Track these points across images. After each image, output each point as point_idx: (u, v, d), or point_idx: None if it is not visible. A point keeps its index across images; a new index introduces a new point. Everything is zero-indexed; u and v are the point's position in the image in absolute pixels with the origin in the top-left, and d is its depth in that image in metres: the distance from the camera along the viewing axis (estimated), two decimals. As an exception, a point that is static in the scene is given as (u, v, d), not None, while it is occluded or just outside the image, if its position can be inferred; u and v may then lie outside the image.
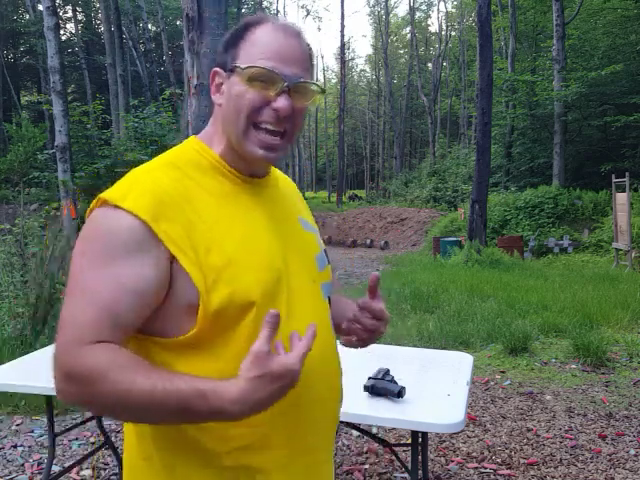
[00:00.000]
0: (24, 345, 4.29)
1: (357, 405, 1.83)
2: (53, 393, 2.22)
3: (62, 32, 30.42)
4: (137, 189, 0.85)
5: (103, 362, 0.78)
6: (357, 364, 2.19)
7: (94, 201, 0.86)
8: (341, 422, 2.35)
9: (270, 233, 0.94)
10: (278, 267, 0.92)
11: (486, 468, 2.85)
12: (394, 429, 3.23)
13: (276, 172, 1.10)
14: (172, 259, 0.83)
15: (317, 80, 0.99)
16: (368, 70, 58.05)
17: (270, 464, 0.91)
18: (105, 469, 2.90)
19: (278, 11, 42.61)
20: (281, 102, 0.90)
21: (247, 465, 0.90)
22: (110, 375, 0.77)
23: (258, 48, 0.91)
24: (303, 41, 0.95)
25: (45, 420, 3.32)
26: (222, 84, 0.95)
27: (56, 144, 11.13)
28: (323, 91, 0.96)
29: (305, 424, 0.95)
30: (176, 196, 0.86)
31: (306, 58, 0.94)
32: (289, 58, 0.91)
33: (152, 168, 0.91)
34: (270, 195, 1.02)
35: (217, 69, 0.96)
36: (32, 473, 2.86)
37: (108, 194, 0.85)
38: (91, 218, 0.85)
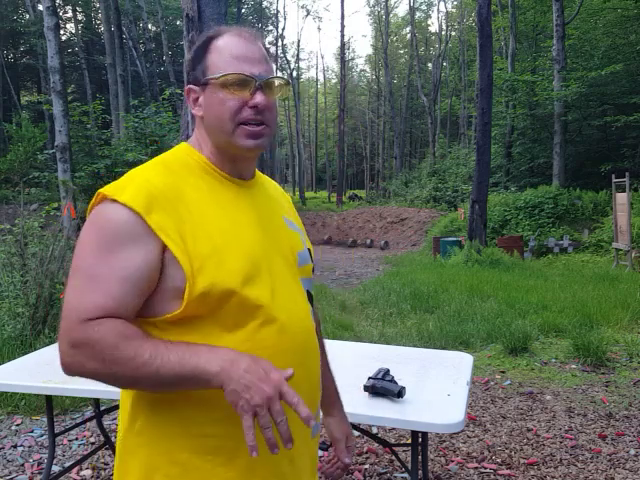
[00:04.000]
0: (24, 345, 4.29)
1: (357, 405, 1.82)
2: (53, 393, 2.20)
3: (62, 32, 30.41)
4: (132, 185, 0.94)
5: (111, 330, 0.87)
6: (357, 364, 2.19)
7: (94, 197, 0.96)
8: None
9: (253, 228, 1.03)
10: (258, 258, 1.00)
11: (486, 468, 2.85)
12: (394, 429, 3.23)
13: (262, 176, 1.20)
14: (164, 247, 0.92)
15: (279, 72, 1.08)
16: (368, 70, 58.08)
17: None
18: (105, 469, 2.90)
19: (278, 11, 42.69)
20: (258, 98, 1.00)
21: (231, 434, 0.96)
22: (118, 341, 0.87)
23: (224, 56, 1.01)
24: (260, 42, 1.05)
25: (45, 420, 3.32)
26: (198, 98, 1.05)
27: (56, 144, 11.13)
28: (288, 82, 1.08)
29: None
30: (167, 192, 0.95)
31: (266, 57, 1.05)
32: (253, 59, 1.01)
33: (145, 168, 1.01)
34: (255, 195, 1.10)
35: (190, 86, 1.05)
36: (32, 473, 2.86)
37: (106, 189, 0.94)
38: (92, 213, 0.95)
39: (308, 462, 1.11)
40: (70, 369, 0.91)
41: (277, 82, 1.04)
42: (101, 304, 0.88)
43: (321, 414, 1.22)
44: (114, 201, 0.91)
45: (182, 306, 0.92)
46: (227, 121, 1.00)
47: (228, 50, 1.01)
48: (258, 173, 1.17)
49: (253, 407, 0.83)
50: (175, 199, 0.95)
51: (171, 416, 0.96)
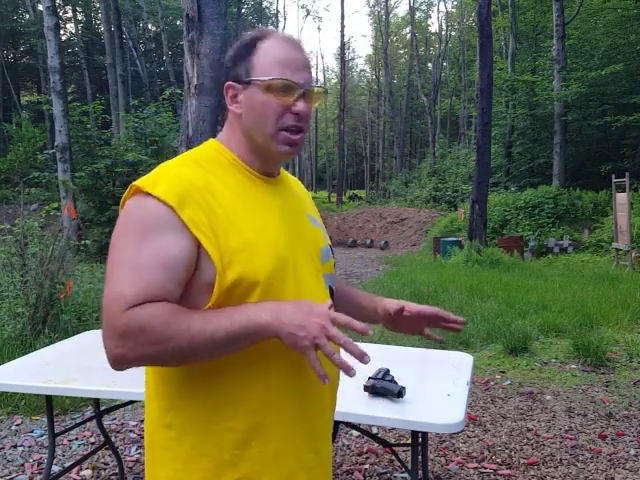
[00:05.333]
0: (24, 345, 4.29)
1: (357, 405, 1.83)
2: (53, 393, 2.20)
3: (62, 32, 30.39)
4: (165, 179, 0.96)
5: (158, 311, 0.88)
6: (357, 364, 2.19)
7: (127, 190, 0.98)
8: (341, 422, 2.36)
9: (279, 224, 1.05)
10: (284, 254, 1.01)
11: (486, 468, 2.85)
12: (394, 429, 3.23)
13: (286, 174, 1.22)
14: (198, 242, 0.93)
15: (318, 82, 1.11)
16: (368, 70, 58.11)
17: (276, 425, 1.00)
18: (105, 469, 2.90)
19: (278, 11, 42.64)
20: (300, 106, 1.03)
21: (255, 427, 0.98)
22: (168, 318, 0.87)
23: (272, 60, 1.03)
24: (304, 49, 1.08)
25: (45, 420, 3.32)
26: (237, 95, 1.06)
27: (56, 144, 11.14)
28: (326, 92, 1.11)
29: (309, 393, 1.05)
30: (199, 187, 0.97)
31: (309, 65, 1.09)
32: (299, 66, 1.04)
33: (177, 164, 1.02)
34: (281, 192, 1.12)
35: (231, 82, 1.06)
36: (32, 473, 2.86)
37: (140, 182, 0.96)
38: (127, 206, 0.97)
39: (329, 455, 1.14)
40: (123, 360, 0.89)
41: (316, 90, 1.07)
42: (143, 290, 0.88)
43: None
44: (148, 194, 0.93)
45: (211, 300, 0.94)
46: (269, 124, 1.02)
47: (275, 53, 1.03)
48: (282, 170, 1.19)
49: (312, 340, 0.88)
50: (207, 193, 0.96)
51: (201, 410, 0.98)
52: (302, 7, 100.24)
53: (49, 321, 4.56)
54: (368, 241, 17.64)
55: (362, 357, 0.88)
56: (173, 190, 0.93)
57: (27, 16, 29.77)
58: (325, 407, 1.10)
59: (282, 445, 1.00)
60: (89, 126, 13.62)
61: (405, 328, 1.27)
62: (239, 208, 1.00)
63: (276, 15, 40.78)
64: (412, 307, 1.23)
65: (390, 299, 1.27)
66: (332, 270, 1.19)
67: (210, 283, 0.94)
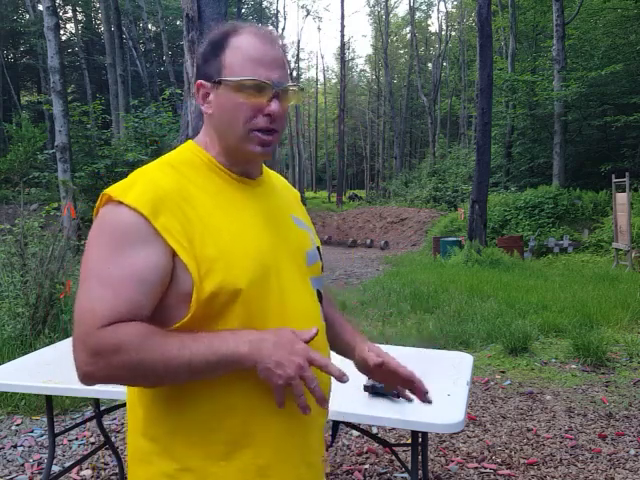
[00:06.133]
0: (24, 345, 4.29)
1: (357, 405, 1.83)
2: (53, 393, 2.20)
3: (62, 32, 30.38)
4: (138, 186, 0.92)
5: (132, 332, 0.85)
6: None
7: (99, 199, 0.94)
8: (341, 422, 2.36)
9: (261, 228, 1.01)
10: (267, 259, 0.98)
11: (486, 468, 2.85)
12: (394, 429, 3.23)
13: (269, 173, 1.17)
14: (173, 251, 0.89)
15: (293, 77, 1.08)
16: (368, 70, 58.11)
17: (264, 437, 0.96)
18: (105, 469, 2.90)
19: (278, 11, 42.64)
20: (274, 106, 0.97)
21: (242, 439, 0.95)
22: (143, 340, 0.85)
23: (241, 58, 0.97)
24: (279, 44, 1.01)
25: (45, 420, 3.32)
26: (208, 94, 1.01)
27: (56, 144, 11.13)
28: (302, 89, 1.05)
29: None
30: (173, 193, 0.93)
31: (284, 60, 1.02)
32: (272, 64, 0.98)
33: (151, 169, 0.98)
34: (263, 194, 1.08)
35: (201, 81, 1.01)
36: (32, 473, 2.86)
37: (111, 190, 0.92)
38: (99, 216, 0.93)
39: (321, 465, 1.10)
40: (92, 378, 0.87)
41: (291, 89, 1.01)
42: (117, 308, 0.86)
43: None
44: (120, 203, 0.89)
45: (190, 311, 0.90)
46: (239, 126, 0.98)
47: (246, 51, 0.97)
48: (265, 170, 1.14)
49: (287, 380, 0.88)
50: (182, 201, 0.92)
51: (186, 423, 0.95)
52: (302, 7, 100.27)
53: (49, 321, 4.56)
54: (368, 241, 17.64)
55: (322, 403, 0.92)
56: (145, 197, 0.89)
57: (27, 16, 29.75)
58: (316, 416, 1.05)
59: (272, 457, 0.97)
60: (89, 126, 13.62)
61: (378, 378, 1.26)
62: (216, 214, 0.95)
63: (276, 15, 40.80)
64: (391, 364, 1.19)
65: (371, 347, 1.22)
66: (320, 273, 1.14)
67: (188, 292, 0.90)
